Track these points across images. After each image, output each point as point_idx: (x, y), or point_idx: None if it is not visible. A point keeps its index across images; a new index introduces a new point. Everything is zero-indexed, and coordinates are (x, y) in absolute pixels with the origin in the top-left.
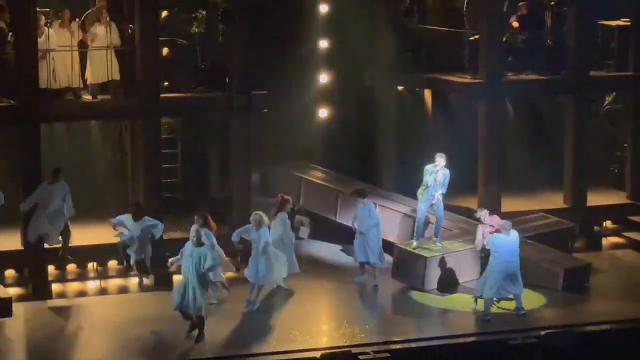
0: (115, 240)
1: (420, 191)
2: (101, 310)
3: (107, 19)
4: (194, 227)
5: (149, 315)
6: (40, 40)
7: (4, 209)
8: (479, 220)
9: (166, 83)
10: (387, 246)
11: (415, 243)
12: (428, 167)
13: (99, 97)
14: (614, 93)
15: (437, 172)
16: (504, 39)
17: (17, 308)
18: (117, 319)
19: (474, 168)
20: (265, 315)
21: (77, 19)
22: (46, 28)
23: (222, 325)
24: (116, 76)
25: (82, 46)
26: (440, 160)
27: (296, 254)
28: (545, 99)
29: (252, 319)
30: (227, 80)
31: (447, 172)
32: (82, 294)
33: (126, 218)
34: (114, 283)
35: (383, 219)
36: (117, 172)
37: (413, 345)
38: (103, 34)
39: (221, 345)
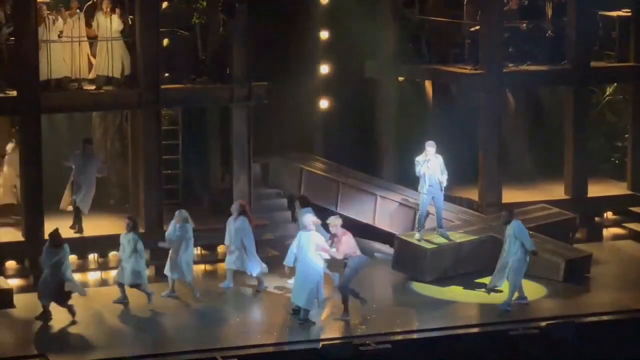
0: (117, 231)
1: (421, 184)
2: (102, 301)
3: (108, 9)
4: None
5: (149, 305)
6: (40, 29)
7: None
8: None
9: (167, 74)
10: (387, 237)
11: (417, 235)
12: (419, 159)
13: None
14: (615, 84)
15: (429, 161)
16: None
17: (18, 299)
18: (117, 310)
19: (474, 159)
20: (267, 306)
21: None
22: (49, 18)
23: (226, 314)
24: (121, 71)
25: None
26: (431, 149)
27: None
28: (545, 89)
29: (254, 310)
30: (227, 71)
31: (440, 158)
32: (82, 285)
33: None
34: (115, 274)
35: (383, 209)
36: (117, 162)
37: (414, 336)
38: (104, 24)
39: (223, 336)
